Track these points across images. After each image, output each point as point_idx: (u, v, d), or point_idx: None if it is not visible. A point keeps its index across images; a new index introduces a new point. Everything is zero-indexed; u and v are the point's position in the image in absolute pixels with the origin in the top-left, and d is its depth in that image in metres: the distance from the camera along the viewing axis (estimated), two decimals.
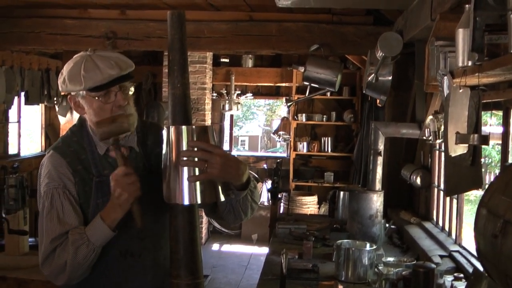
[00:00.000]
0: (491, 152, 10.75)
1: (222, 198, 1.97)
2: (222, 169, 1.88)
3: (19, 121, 7.81)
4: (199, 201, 1.91)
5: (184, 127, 1.90)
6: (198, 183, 1.87)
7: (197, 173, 1.87)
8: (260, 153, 15.73)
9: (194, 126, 1.91)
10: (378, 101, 4.72)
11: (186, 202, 1.89)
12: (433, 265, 2.97)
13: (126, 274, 2.13)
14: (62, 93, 2.15)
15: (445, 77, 2.47)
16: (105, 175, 2.08)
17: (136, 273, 2.15)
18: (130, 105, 2.09)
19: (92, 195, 2.08)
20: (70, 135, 2.18)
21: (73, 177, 2.07)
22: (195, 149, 1.87)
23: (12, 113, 7.57)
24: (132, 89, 2.11)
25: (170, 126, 1.92)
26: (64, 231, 2.01)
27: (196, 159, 1.87)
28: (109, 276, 2.11)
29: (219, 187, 1.93)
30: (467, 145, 2.35)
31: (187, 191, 1.87)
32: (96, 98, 2.03)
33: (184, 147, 1.88)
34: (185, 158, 1.87)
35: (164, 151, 1.94)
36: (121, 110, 2.05)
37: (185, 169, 1.87)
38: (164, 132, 1.94)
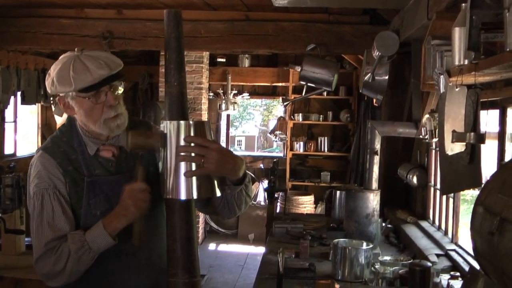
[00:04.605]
0: None
1: (218, 193, 1.98)
2: (219, 164, 1.89)
3: (15, 121, 7.79)
4: (195, 196, 1.91)
5: (181, 122, 1.90)
6: (194, 178, 1.88)
7: (193, 168, 1.88)
8: (256, 153, 15.70)
9: (191, 121, 1.91)
10: (374, 100, 4.73)
11: (183, 197, 1.89)
12: (430, 264, 2.97)
13: (121, 274, 2.13)
14: (51, 94, 2.12)
15: (442, 76, 2.47)
16: (96, 175, 2.08)
17: (130, 272, 2.14)
18: (121, 104, 2.08)
19: (83, 195, 2.06)
20: (59, 135, 2.15)
21: (64, 178, 2.05)
22: (192, 144, 1.88)
23: (8, 113, 7.54)
24: (122, 88, 2.10)
25: (167, 121, 1.92)
26: (56, 236, 1.99)
27: (192, 154, 1.87)
28: (104, 276, 2.10)
29: (215, 182, 1.94)
30: (464, 143, 2.36)
31: (184, 186, 1.88)
32: (86, 98, 2.02)
33: (181, 142, 1.88)
34: (182, 153, 1.87)
35: (161, 146, 1.94)
36: (112, 109, 2.04)
37: (182, 164, 1.88)
38: (162, 128, 1.94)
